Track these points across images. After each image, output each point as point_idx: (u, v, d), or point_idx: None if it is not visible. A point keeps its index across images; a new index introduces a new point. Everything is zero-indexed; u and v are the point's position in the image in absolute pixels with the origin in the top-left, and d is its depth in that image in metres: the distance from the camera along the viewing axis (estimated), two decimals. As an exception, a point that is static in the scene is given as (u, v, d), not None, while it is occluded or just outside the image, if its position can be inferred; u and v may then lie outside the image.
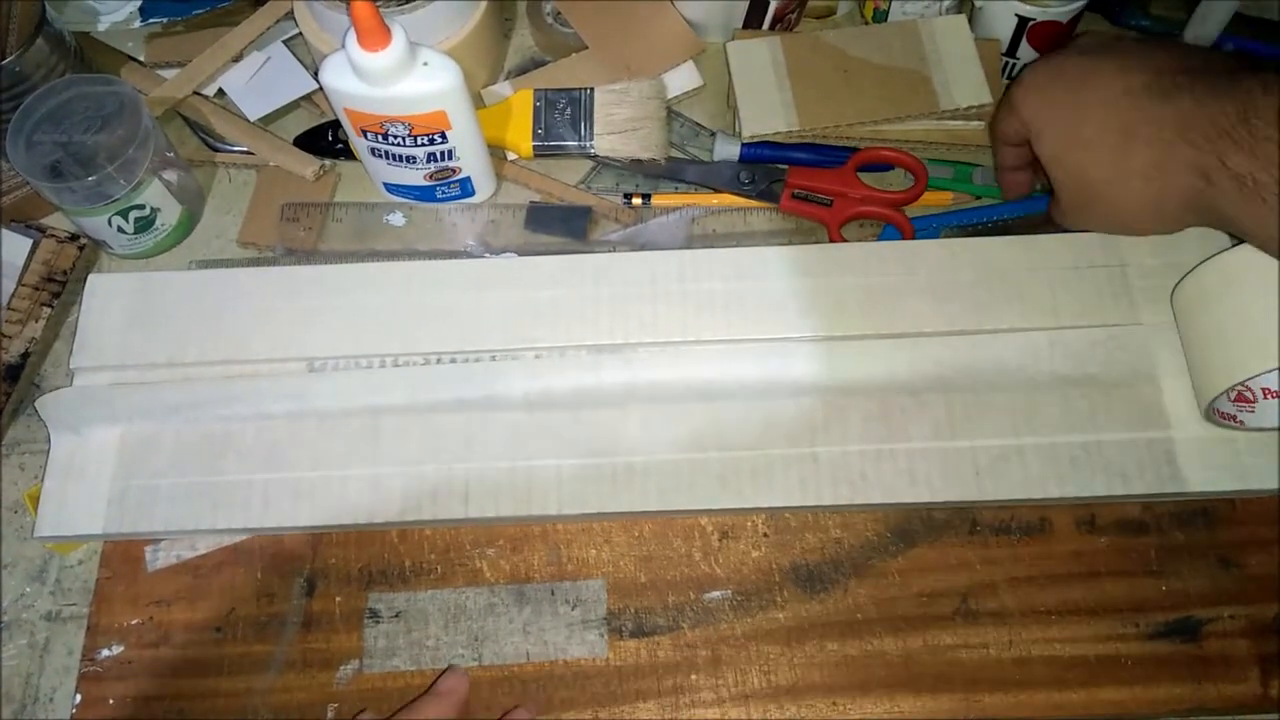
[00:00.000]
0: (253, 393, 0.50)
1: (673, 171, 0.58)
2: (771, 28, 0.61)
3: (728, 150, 0.58)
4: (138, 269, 0.57)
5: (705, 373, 0.50)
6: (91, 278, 0.54)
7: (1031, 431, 0.49)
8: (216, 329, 0.52)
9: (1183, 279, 0.49)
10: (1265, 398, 0.45)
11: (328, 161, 0.59)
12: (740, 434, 0.49)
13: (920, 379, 0.50)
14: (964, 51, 0.57)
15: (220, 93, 0.62)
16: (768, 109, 0.57)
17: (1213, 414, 0.47)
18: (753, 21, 0.61)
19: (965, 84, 0.57)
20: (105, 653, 0.48)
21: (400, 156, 0.53)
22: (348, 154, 0.59)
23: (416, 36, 0.48)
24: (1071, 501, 0.49)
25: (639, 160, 0.57)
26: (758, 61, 0.58)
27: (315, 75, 0.60)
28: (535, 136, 0.57)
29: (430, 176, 0.55)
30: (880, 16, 0.62)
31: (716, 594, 0.49)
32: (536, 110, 0.57)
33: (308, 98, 0.61)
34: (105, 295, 0.53)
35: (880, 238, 0.56)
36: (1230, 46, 0.57)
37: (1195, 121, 0.43)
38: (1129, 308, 0.51)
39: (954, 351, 0.51)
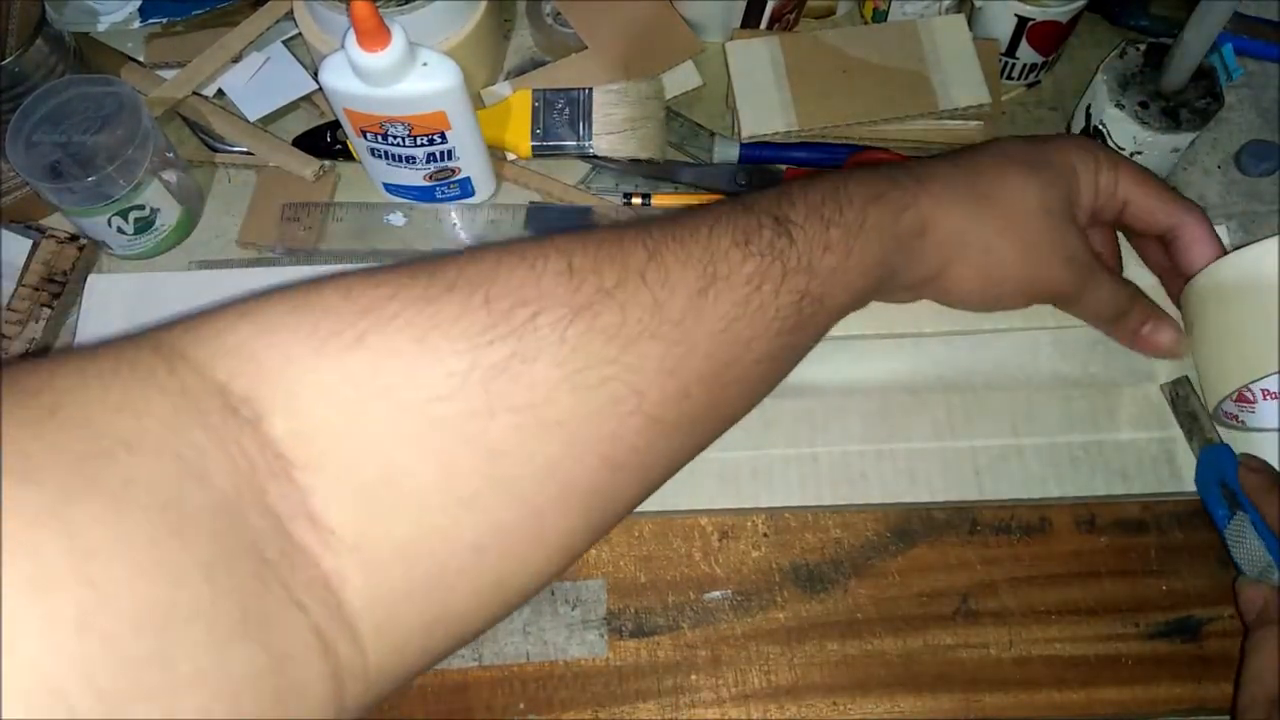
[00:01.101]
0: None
1: (669, 173, 0.58)
2: (770, 27, 0.61)
3: (727, 152, 0.58)
4: (138, 269, 0.57)
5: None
6: (90, 278, 0.54)
7: (1031, 431, 0.49)
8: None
9: (1192, 278, 0.48)
10: (1265, 399, 0.45)
11: (327, 162, 0.59)
12: (740, 433, 0.49)
13: (920, 379, 0.50)
14: (963, 51, 0.57)
15: (220, 93, 0.62)
16: (767, 109, 0.57)
17: (1219, 414, 0.47)
18: (750, 21, 0.61)
19: (964, 84, 0.57)
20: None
21: (400, 157, 0.53)
22: (347, 155, 0.59)
23: (416, 37, 0.48)
24: (1071, 501, 0.49)
25: (637, 160, 0.57)
26: (757, 62, 0.58)
27: (315, 75, 0.60)
28: (534, 136, 0.57)
29: (430, 177, 0.55)
30: (880, 16, 0.62)
31: (716, 594, 0.49)
32: (535, 110, 0.57)
33: (307, 98, 0.61)
34: (104, 296, 0.53)
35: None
36: (1230, 46, 0.57)
37: None
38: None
39: (954, 351, 0.51)
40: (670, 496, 0.48)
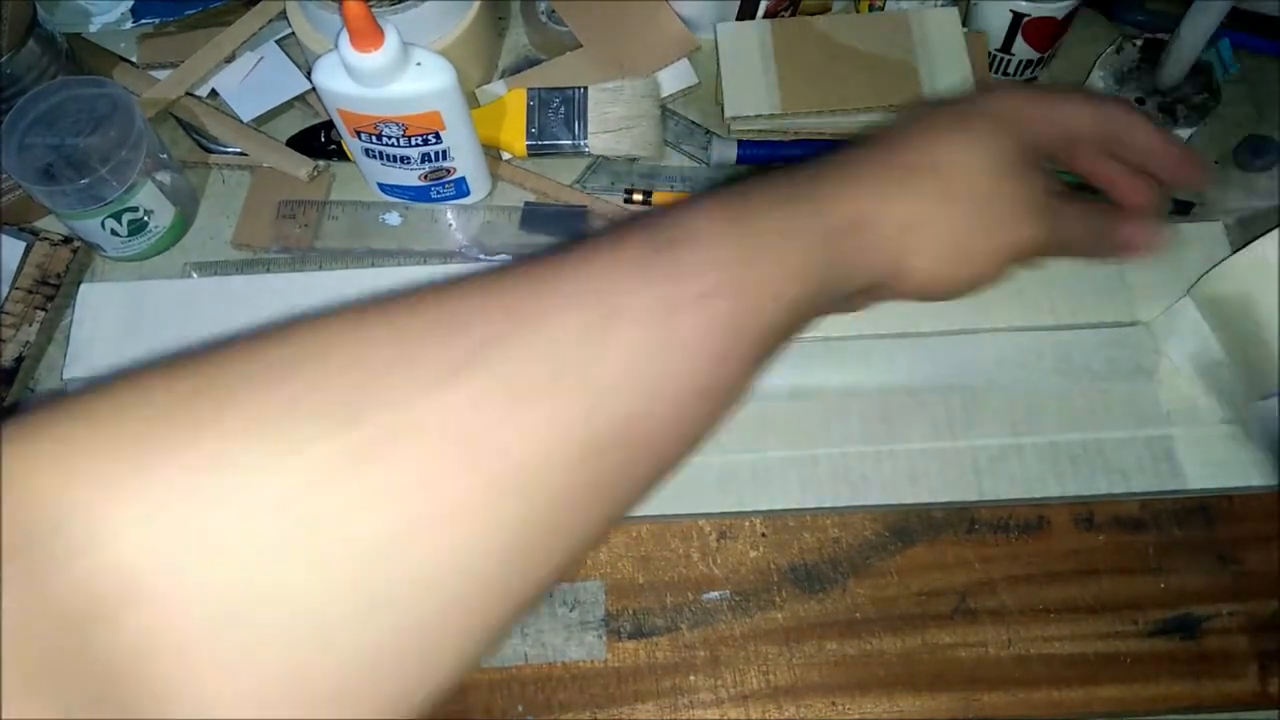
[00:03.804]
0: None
1: (659, 174, 0.58)
2: (766, 25, 0.61)
3: (724, 151, 0.58)
4: (132, 271, 0.57)
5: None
6: (83, 288, 0.54)
7: (1031, 430, 0.49)
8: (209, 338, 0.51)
9: (1204, 277, 0.47)
10: None
11: (322, 162, 0.59)
12: (738, 436, 0.49)
13: (919, 379, 0.50)
14: (952, 44, 0.57)
15: (213, 94, 0.61)
16: (752, 91, 0.57)
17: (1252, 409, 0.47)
18: (745, 18, 0.61)
19: (951, 76, 0.57)
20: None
21: (394, 157, 0.53)
22: (341, 155, 0.58)
23: (410, 36, 0.48)
24: (1071, 500, 0.49)
25: (634, 159, 0.57)
26: (746, 44, 0.58)
27: (309, 75, 0.60)
28: (529, 136, 0.57)
29: (425, 177, 0.55)
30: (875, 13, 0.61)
31: (715, 594, 0.48)
32: (530, 109, 0.57)
33: (301, 98, 0.61)
34: (97, 305, 0.53)
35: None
36: (1226, 41, 0.57)
37: None
38: (1126, 305, 0.51)
39: (952, 351, 0.51)
40: (670, 501, 0.48)
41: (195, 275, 0.56)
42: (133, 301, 0.53)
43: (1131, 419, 0.49)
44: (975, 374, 0.50)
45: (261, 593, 0.24)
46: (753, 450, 0.49)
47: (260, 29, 0.61)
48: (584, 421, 0.28)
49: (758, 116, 0.56)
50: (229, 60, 0.61)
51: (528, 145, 0.57)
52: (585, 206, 0.57)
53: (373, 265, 0.56)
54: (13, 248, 0.56)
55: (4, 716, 0.20)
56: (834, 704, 0.46)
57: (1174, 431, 0.49)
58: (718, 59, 0.58)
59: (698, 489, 0.48)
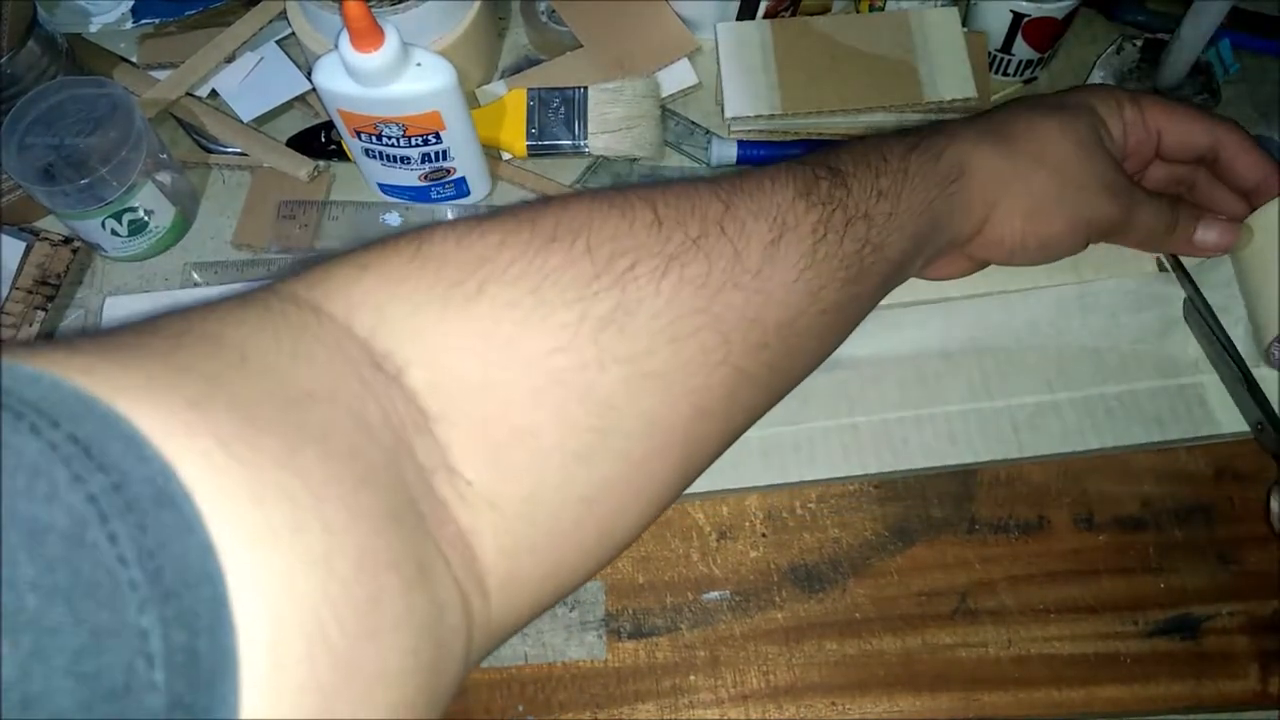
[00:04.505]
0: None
1: (659, 175, 0.58)
2: (766, 25, 0.61)
3: (725, 152, 0.58)
4: (132, 271, 0.57)
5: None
6: (109, 301, 0.55)
7: (1066, 386, 0.50)
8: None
9: (1249, 215, 0.48)
10: None
11: (322, 163, 0.59)
12: (779, 409, 0.49)
13: (953, 342, 0.51)
14: (952, 44, 0.57)
15: (213, 94, 0.61)
16: (753, 91, 0.57)
17: (1268, 354, 0.47)
18: (745, 18, 0.61)
19: (951, 76, 0.56)
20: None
21: (394, 157, 0.53)
22: (341, 155, 0.58)
23: (410, 36, 0.48)
24: (1112, 451, 0.49)
25: (634, 160, 0.57)
26: (746, 44, 0.58)
27: (309, 75, 0.60)
28: (529, 136, 0.57)
29: (425, 177, 0.55)
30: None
31: (715, 594, 0.48)
32: (530, 109, 0.57)
33: (301, 98, 0.61)
34: (123, 320, 0.53)
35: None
36: (1227, 41, 0.57)
37: None
38: (1150, 257, 0.51)
39: (983, 313, 0.51)
40: (718, 476, 0.48)
41: (196, 275, 0.56)
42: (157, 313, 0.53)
43: (1163, 368, 0.50)
44: (1007, 334, 0.51)
45: (520, 428, 0.29)
46: (794, 423, 0.49)
47: (260, 29, 0.61)
48: (759, 316, 0.35)
49: (758, 117, 0.56)
50: (229, 60, 0.61)
51: (528, 145, 0.57)
52: (585, 206, 0.57)
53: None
54: (13, 248, 0.56)
55: (336, 498, 0.23)
56: (834, 704, 0.46)
57: (1203, 379, 0.49)
58: (718, 59, 0.58)
59: (744, 464, 0.49)
